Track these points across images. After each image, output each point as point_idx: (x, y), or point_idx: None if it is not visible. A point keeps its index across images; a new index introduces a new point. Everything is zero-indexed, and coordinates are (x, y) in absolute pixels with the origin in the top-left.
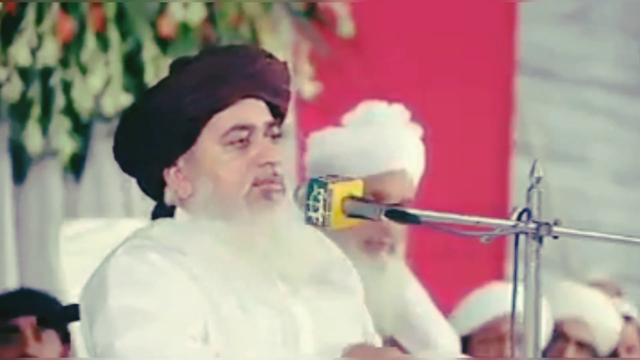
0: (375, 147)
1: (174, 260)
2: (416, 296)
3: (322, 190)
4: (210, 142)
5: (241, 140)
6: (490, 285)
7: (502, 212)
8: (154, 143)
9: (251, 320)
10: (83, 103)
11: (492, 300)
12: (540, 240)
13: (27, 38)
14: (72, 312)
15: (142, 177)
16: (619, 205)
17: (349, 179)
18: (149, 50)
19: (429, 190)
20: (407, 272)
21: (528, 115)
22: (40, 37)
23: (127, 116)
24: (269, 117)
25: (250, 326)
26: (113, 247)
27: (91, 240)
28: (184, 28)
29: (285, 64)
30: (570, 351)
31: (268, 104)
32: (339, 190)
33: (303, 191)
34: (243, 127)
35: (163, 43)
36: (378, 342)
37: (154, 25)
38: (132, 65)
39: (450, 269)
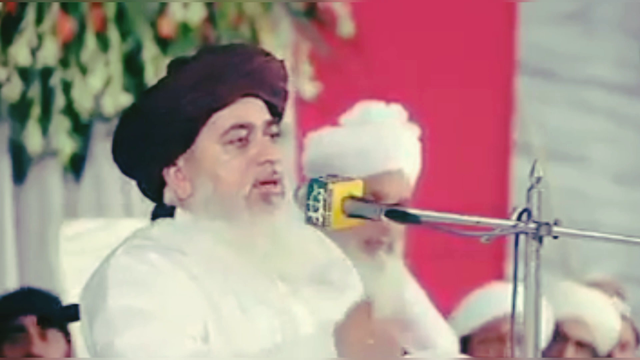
0: (372, 146)
1: (174, 260)
2: (414, 296)
3: (322, 190)
4: (209, 141)
5: (240, 139)
6: (490, 285)
7: (502, 212)
8: (153, 143)
9: (251, 320)
10: (83, 103)
11: (492, 301)
12: (540, 240)
13: (27, 38)
14: (72, 312)
15: (142, 178)
16: (619, 205)
17: (349, 179)
18: (149, 50)
19: (428, 190)
20: (406, 272)
21: (528, 115)
22: (40, 37)
23: (125, 117)
24: (267, 116)
25: (250, 326)
26: (113, 247)
27: (91, 240)
28: (184, 28)
29: (282, 62)
30: (570, 351)
31: (266, 102)
32: (339, 190)
33: (303, 191)
34: (242, 126)
35: (163, 43)
36: None
37: (154, 25)
38: (132, 65)
39: (450, 269)
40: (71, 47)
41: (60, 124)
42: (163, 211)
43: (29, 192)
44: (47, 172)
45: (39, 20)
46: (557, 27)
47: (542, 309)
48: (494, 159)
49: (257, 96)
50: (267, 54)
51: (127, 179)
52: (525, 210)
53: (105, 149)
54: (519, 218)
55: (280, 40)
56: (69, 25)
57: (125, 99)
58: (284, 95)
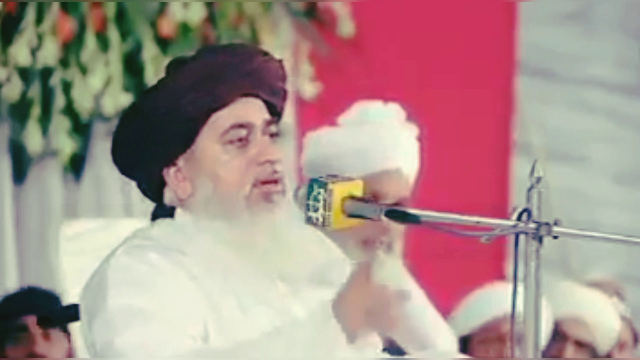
0: (370, 146)
1: (174, 260)
2: (414, 296)
3: (322, 190)
4: (209, 141)
5: (240, 139)
6: (490, 285)
7: (502, 212)
8: (153, 143)
9: (251, 320)
10: (83, 103)
11: (491, 301)
12: (540, 240)
13: (27, 38)
14: (72, 312)
15: (142, 178)
16: (619, 205)
17: (349, 179)
18: (149, 50)
19: (428, 190)
20: (405, 272)
21: (528, 115)
22: (40, 37)
23: (125, 117)
24: (267, 116)
25: (250, 326)
26: (113, 247)
27: (91, 240)
28: (184, 28)
29: (281, 62)
30: (569, 350)
31: (265, 102)
32: (339, 190)
33: (303, 191)
34: (242, 126)
35: (163, 43)
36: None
37: (154, 25)
38: (132, 65)
39: (450, 269)
40: (71, 47)
41: (60, 124)
42: (163, 211)
43: (29, 192)
44: (47, 172)
45: (39, 20)
46: (557, 27)
47: (542, 308)
48: (494, 159)
49: (256, 96)
50: (266, 54)
51: (127, 179)
52: (525, 210)
53: (105, 149)
54: (519, 218)
55: (280, 41)
56: (69, 25)
57: (125, 99)
58: (283, 94)
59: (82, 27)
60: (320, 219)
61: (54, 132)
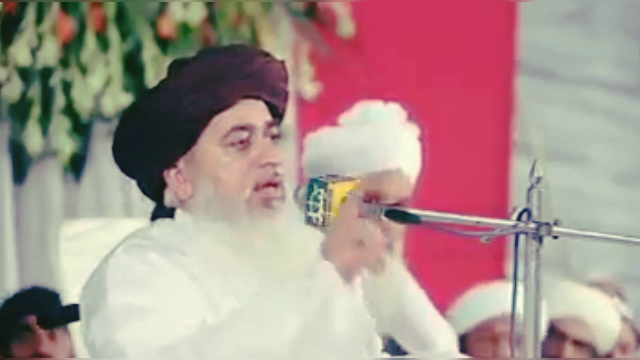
0: (371, 146)
1: (174, 260)
2: (414, 295)
3: (322, 190)
4: (210, 143)
5: (241, 142)
6: (485, 285)
7: (502, 212)
8: (154, 144)
9: None
10: (83, 103)
11: (486, 300)
12: (540, 240)
13: (27, 38)
14: (72, 312)
15: (142, 179)
16: (619, 205)
17: (349, 179)
18: (149, 50)
19: (428, 190)
20: (405, 272)
21: (528, 115)
22: (40, 37)
23: (126, 118)
24: (268, 117)
25: None
26: (113, 247)
27: (91, 240)
28: (184, 28)
29: (283, 63)
30: (569, 350)
31: (267, 103)
32: (339, 190)
33: (303, 191)
34: (243, 128)
35: (163, 43)
36: (377, 341)
37: (154, 25)
38: (132, 65)
39: (450, 269)
40: (71, 47)
41: (60, 124)
42: (163, 212)
43: (29, 192)
44: (47, 172)
45: (39, 20)
46: (557, 27)
47: (542, 308)
48: (494, 159)
49: (258, 97)
50: (268, 55)
51: (127, 178)
52: (525, 210)
53: (105, 149)
54: (519, 218)
55: (280, 41)
56: (69, 25)
57: (125, 99)
58: (285, 96)
59: (82, 27)
60: (320, 219)
61: (54, 132)
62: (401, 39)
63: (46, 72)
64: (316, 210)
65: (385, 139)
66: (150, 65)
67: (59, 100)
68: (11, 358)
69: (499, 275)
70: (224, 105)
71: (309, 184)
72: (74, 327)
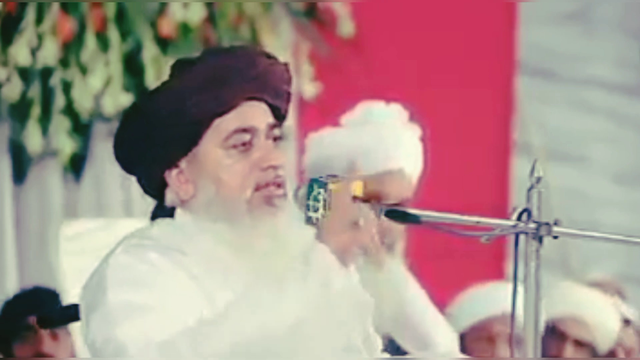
0: (373, 146)
1: (174, 259)
2: (414, 295)
3: (322, 190)
4: (212, 144)
5: (244, 144)
6: (482, 284)
7: (502, 212)
8: (156, 145)
9: None
10: (83, 103)
11: (483, 300)
12: (540, 240)
13: (27, 38)
14: (72, 312)
15: (143, 178)
16: (619, 205)
17: (350, 179)
18: (149, 50)
19: (429, 190)
20: (406, 272)
21: (528, 115)
22: (40, 37)
23: (128, 117)
24: (271, 119)
25: None
26: (113, 247)
27: (91, 240)
28: (184, 28)
29: (286, 65)
30: (569, 350)
31: (269, 105)
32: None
33: (303, 191)
34: (245, 130)
35: (163, 43)
36: (378, 341)
37: (154, 25)
38: (132, 65)
39: (450, 269)
40: (71, 47)
41: (60, 124)
42: (162, 211)
43: (29, 192)
44: (47, 172)
45: (39, 20)
46: (557, 27)
47: (542, 308)
48: (494, 159)
49: (261, 100)
50: (271, 57)
51: (127, 177)
52: (525, 210)
53: (105, 149)
54: (519, 218)
55: (280, 41)
56: (69, 25)
57: (126, 99)
58: (287, 98)
59: (82, 27)
60: (320, 219)
61: (54, 132)
62: (401, 39)
63: (46, 72)
64: (316, 210)
65: (386, 140)
66: (150, 65)
67: (59, 100)
68: (13, 358)
69: (499, 275)
70: (227, 107)
71: (309, 184)
72: (75, 327)
